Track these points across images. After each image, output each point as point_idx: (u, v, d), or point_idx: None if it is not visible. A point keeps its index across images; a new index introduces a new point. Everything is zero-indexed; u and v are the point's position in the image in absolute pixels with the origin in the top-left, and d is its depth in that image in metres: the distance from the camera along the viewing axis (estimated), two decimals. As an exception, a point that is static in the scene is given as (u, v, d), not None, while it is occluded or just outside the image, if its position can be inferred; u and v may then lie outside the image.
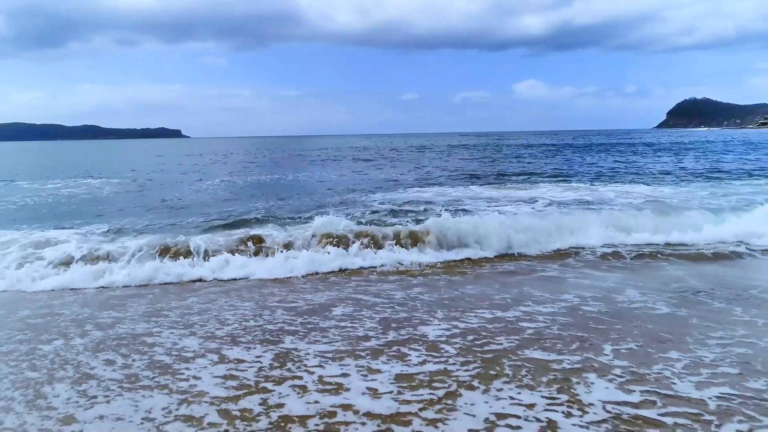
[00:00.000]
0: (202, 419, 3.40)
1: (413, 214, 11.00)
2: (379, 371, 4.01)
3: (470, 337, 4.66)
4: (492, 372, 3.98)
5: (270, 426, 3.30)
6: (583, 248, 8.37)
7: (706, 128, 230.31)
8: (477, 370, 4.00)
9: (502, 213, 10.68)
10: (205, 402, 3.63)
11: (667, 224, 9.11)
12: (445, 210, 9.93)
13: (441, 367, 4.08)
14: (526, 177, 20.10)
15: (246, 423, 3.33)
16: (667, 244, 8.51)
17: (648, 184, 16.93)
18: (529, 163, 28.63)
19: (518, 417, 3.39)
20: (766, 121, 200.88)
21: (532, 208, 12.12)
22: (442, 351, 4.38)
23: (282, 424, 3.31)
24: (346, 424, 3.30)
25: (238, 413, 3.46)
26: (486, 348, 4.43)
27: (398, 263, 7.71)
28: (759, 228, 8.79)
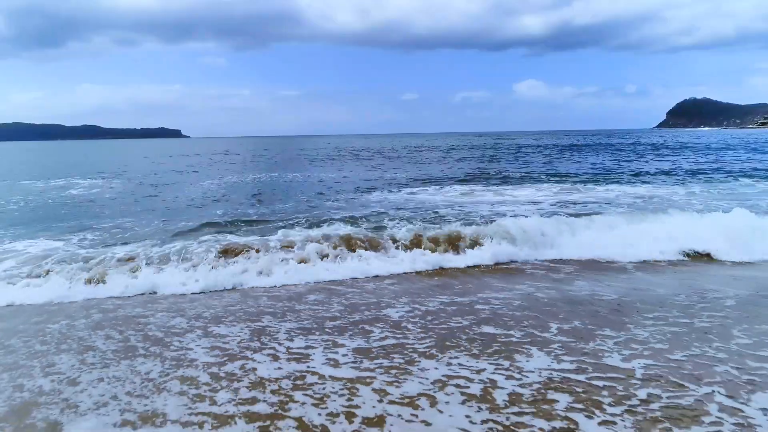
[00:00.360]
0: (197, 378, 3.97)
1: (407, 218, 10.69)
2: (343, 345, 4.55)
3: (429, 317, 5.20)
4: (448, 344, 4.51)
5: (250, 384, 3.87)
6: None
7: (707, 128, 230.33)
8: (433, 343, 4.53)
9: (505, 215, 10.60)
10: (197, 366, 4.19)
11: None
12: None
13: (400, 341, 4.61)
14: (525, 177, 20.08)
15: (230, 382, 3.91)
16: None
17: (647, 184, 17.05)
18: (529, 163, 28.69)
19: (466, 378, 3.91)
20: (766, 120, 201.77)
21: (539, 209, 11.87)
22: (403, 328, 4.92)
23: (261, 382, 3.88)
24: (314, 384, 3.83)
25: (224, 375, 4.03)
26: (443, 325, 4.96)
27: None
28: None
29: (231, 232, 9.57)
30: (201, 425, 3.33)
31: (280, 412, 3.48)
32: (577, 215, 10.18)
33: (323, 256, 7.63)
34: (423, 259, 7.59)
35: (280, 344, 4.60)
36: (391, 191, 16.50)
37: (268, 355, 4.38)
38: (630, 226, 8.95)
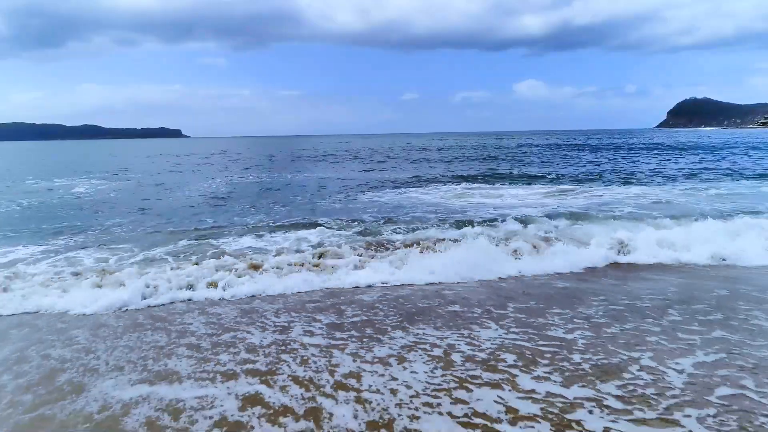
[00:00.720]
0: (200, 345, 4.66)
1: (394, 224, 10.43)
2: (320, 321, 5.27)
3: (401, 300, 5.90)
4: (416, 318, 5.19)
5: (245, 348, 4.58)
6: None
7: (708, 128, 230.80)
8: (402, 319, 5.22)
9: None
10: (199, 337, 4.88)
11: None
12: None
13: (370, 318, 5.31)
14: (526, 178, 20.13)
15: (228, 347, 4.62)
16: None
17: (646, 185, 17.12)
18: (529, 163, 28.81)
19: (430, 344, 4.60)
20: (766, 120, 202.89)
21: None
22: (375, 308, 5.63)
23: (254, 348, 4.58)
24: (296, 350, 4.51)
25: (222, 342, 4.73)
26: (411, 305, 5.66)
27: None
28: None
29: (219, 236, 9.54)
30: (212, 380, 4.00)
31: (273, 369, 4.16)
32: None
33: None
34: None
35: (267, 319, 5.32)
36: (389, 192, 16.69)
37: (258, 327, 5.08)
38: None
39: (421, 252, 7.79)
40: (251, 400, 3.69)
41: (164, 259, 7.96)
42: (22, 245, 9.28)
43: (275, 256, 7.81)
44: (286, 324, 5.19)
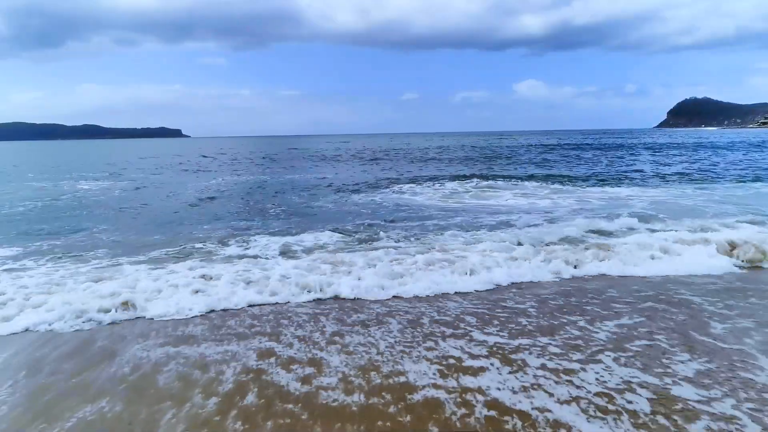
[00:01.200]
0: (207, 315, 5.61)
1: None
2: (307, 296, 6.24)
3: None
4: (390, 294, 6.16)
5: (248, 317, 5.53)
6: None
7: (709, 128, 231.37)
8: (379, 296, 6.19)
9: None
10: (210, 309, 5.83)
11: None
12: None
13: (348, 297, 6.24)
14: (528, 178, 20.08)
15: (232, 317, 5.56)
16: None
17: (648, 186, 17.07)
18: (530, 163, 29.15)
19: (404, 311, 5.55)
20: (766, 120, 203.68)
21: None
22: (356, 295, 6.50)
23: (255, 316, 5.53)
24: (291, 317, 5.46)
25: (230, 307, 5.68)
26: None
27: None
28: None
29: (207, 240, 9.30)
30: (228, 341, 4.90)
31: (277, 331, 5.08)
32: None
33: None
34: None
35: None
36: (388, 192, 16.59)
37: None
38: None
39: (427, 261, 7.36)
40: (266, 353, 4.56)
41: (136, 268, 7.37)
42: None
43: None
44: (280, 300, 6.11)
